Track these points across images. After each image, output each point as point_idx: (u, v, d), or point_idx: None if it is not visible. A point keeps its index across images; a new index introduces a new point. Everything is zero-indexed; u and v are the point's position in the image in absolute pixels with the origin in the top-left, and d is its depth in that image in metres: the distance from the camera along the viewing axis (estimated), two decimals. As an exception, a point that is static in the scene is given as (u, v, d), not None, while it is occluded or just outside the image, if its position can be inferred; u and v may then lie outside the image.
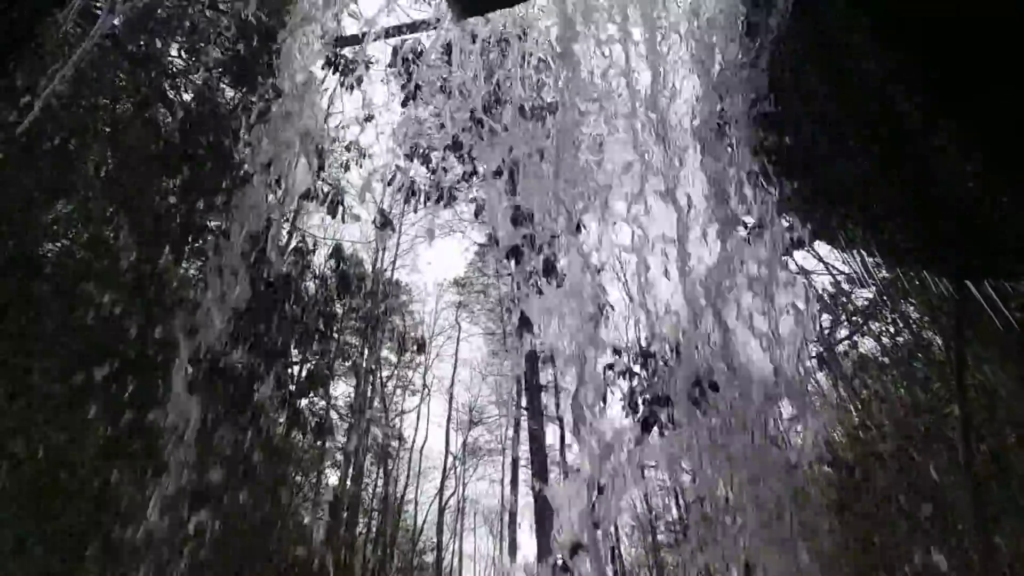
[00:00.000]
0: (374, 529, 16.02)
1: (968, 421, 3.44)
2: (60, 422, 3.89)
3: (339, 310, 4.51)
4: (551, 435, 14.32)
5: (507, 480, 18.06)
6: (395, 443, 18.34)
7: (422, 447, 18.60)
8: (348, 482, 14.71)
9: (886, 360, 8.30)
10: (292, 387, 4.03)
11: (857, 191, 2.62)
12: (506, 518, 17.33)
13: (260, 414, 3.82)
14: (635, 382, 4.48)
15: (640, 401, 3.94)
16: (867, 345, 8.33)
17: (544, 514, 10.13)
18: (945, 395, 5.43)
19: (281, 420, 4.18)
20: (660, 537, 15.00)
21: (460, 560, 18.72)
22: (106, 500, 3.72)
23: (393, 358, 17.60)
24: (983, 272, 2.67)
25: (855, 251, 2.99)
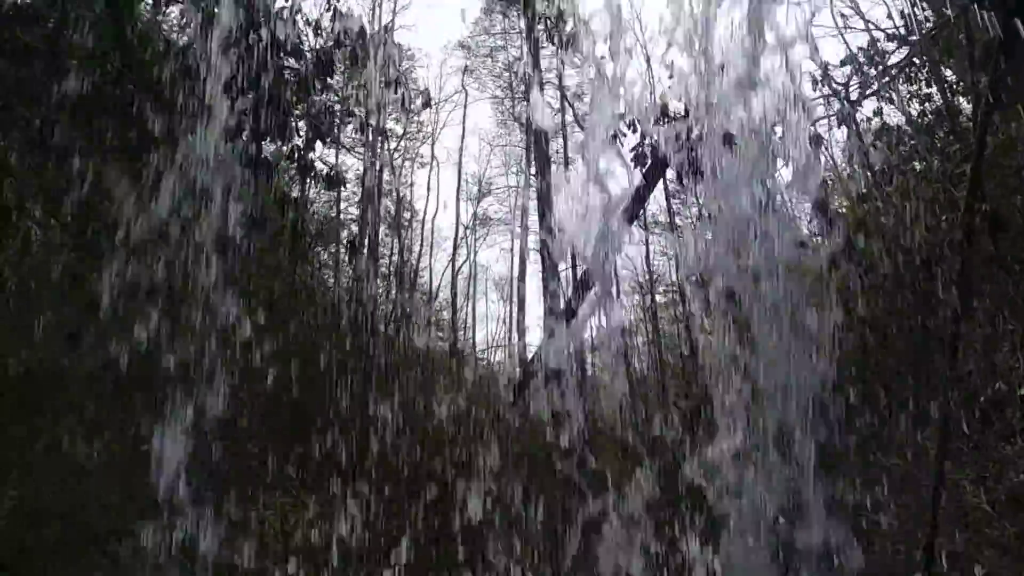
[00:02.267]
0: (392, 292, 17.26)
1: (978, 176, 3.41)
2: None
3: (337, 63, 4.26)
4: (559, 206, 14.56)
5: (516, 248, 18.88)
6: (407, 214, 18.86)
7: (434, 217, 19.19)
8: (365, 250, 15.44)
9: (908, 129, 8.01)
10: (299, 140, 4.01)
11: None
12: (515, 283, 18.51)
13: (271, 166, 3.87)
14: (646, 140, 4.41)
15: (648, 154, 3.92)
16: (891, 118, 7.99)
17: (549, 277, 10.78)
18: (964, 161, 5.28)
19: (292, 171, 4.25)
20: (659, 298, 16.16)
21: (473, 319, 20.44)
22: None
23: (399, 129, 17.23)
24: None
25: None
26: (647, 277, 15.77)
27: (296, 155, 4.24)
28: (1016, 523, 5.04)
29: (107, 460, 4.15)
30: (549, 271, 10.35)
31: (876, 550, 3.84)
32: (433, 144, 19.35)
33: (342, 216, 15.49)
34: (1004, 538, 5.00)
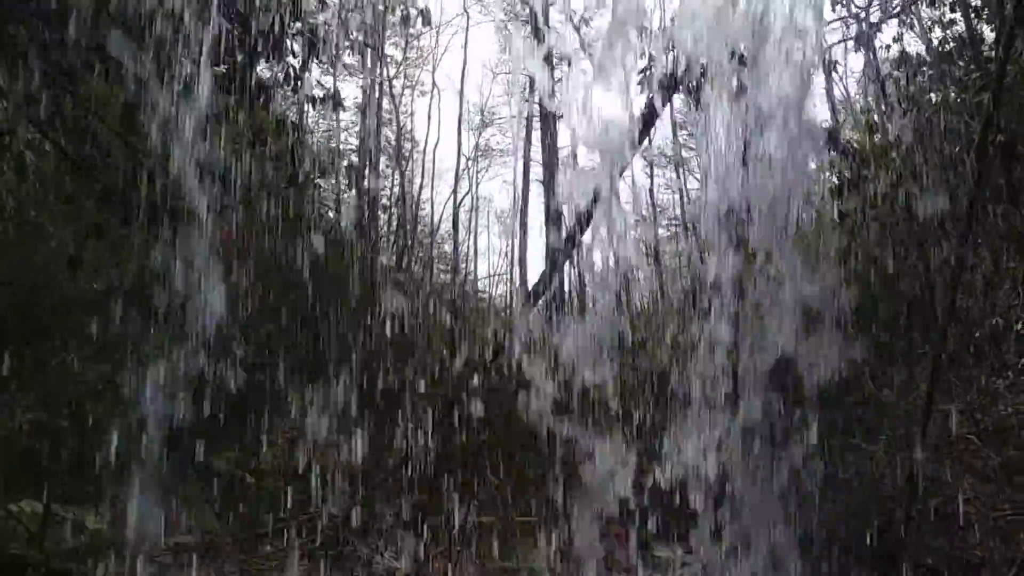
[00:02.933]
0: (394, 223, 17.18)
1: (996, 104, 3.31)
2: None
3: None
4: (562, 138, 14.28)
5: (519, 181, 18.61)
6: (408, 144, 18.52)
7: (435, 148, 18.83)
8: (366, 181, 15.25)
9: (927, 58, 7.71)
10: (294, 61, 3.88)
11: None
12: (517, 217, 18.36)
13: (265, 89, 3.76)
14: (653, 65, 4.26)
15: (656, 82, 3.79)
16: (911, 46, 7.66)
17: (552, 211, 10.68)
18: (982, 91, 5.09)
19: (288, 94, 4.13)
20: (661, 231, 16.10)
21: (475, 253, 20.43)
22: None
23: (398, 55, 16.66)
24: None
25: None
26: (651, 211, 15.65)
27: (292, 74, 4.12)
28: (1001, 453, 5.19)
29: (116, 382, 4.25)
30: (551, 201, 10.25)
31: (862, 480, 3.98)
32: (434, 71, 18.79)
33: (341, 147, 15.24)
34: (987, 468, 5.17)
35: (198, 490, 4.25)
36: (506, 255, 20.50)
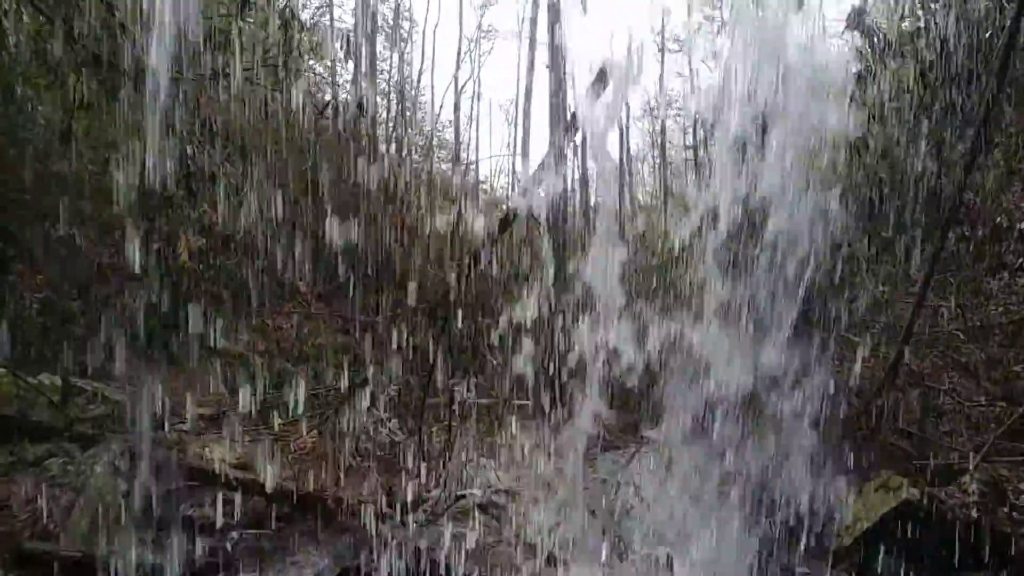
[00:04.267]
0: (394, 110, 16.58)
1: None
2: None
3: None
4: (570, 16, 13.42)
5: (523, 65, 17.75)
6: (406, 24, 17.47)
7: (435, 29, 17.79)
8: (363, 67, 14.54)
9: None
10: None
11: None
12: (521, 104, 17.69)
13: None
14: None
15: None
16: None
17: (558, 98, 10.27)
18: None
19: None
20: (668, 122, 15.58)
21: (477, 142, 19.89)
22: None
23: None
24: None
25: None
26: (660, 100, 15.05)
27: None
28: (984, 350, 5.35)
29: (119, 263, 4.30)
30: (557, 85, 9.83)
31: (847, 366, 4.13)
32: (434, -60, 17.30)
33: (335, 26, 14.37)
34: (970, 363, 5.35)
35: (210, 368, 4.43)
36: (509, 145, 20.00)
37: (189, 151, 3.44)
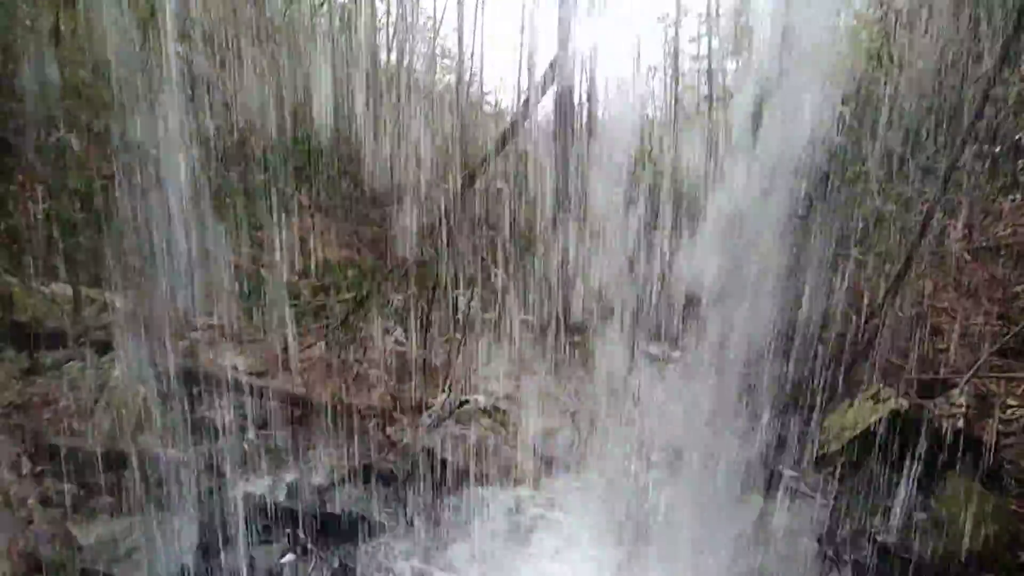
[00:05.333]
0: (394, 14, 15.79)
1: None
2: None
3: None
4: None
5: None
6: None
7: (438, -74, 16.56)
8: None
9: None
10: None
11: None
12: (529, 13, 16.79)
13: None
14: None
15: None
16: None
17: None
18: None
19: None
20: (682, 31, 14.82)
21: (482, 48, 19.07)
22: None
23: None
24: None
25: None
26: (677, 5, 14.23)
27: None
28: (987, 270, 5.34)
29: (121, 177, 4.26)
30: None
31: (846, 286, 4.14)
32: None
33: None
34: (972, 283, 5.36)
35: (219, 280, 4.49)
36: (516, 49, 19.17)
37: (182, 51, 3.33)
